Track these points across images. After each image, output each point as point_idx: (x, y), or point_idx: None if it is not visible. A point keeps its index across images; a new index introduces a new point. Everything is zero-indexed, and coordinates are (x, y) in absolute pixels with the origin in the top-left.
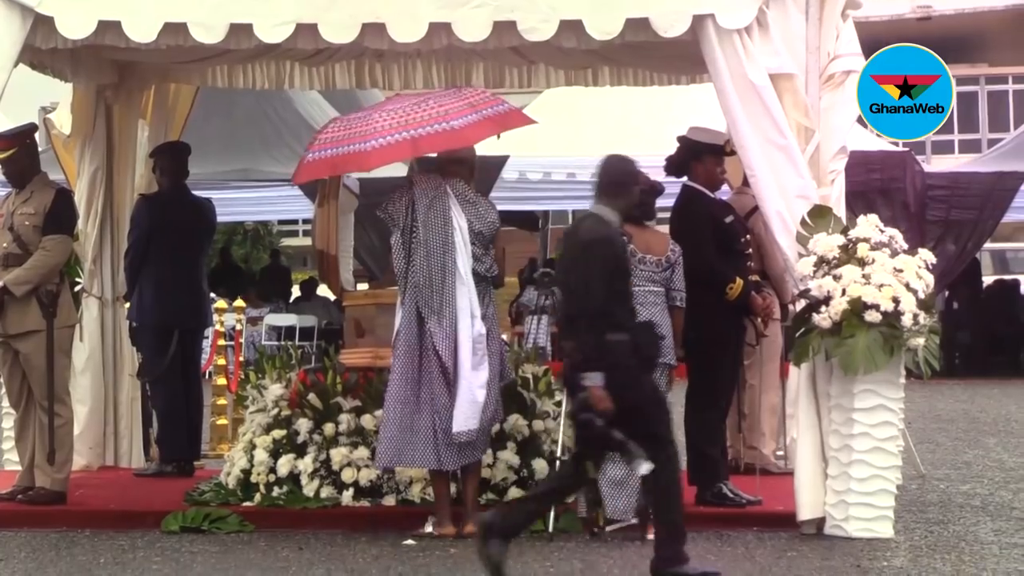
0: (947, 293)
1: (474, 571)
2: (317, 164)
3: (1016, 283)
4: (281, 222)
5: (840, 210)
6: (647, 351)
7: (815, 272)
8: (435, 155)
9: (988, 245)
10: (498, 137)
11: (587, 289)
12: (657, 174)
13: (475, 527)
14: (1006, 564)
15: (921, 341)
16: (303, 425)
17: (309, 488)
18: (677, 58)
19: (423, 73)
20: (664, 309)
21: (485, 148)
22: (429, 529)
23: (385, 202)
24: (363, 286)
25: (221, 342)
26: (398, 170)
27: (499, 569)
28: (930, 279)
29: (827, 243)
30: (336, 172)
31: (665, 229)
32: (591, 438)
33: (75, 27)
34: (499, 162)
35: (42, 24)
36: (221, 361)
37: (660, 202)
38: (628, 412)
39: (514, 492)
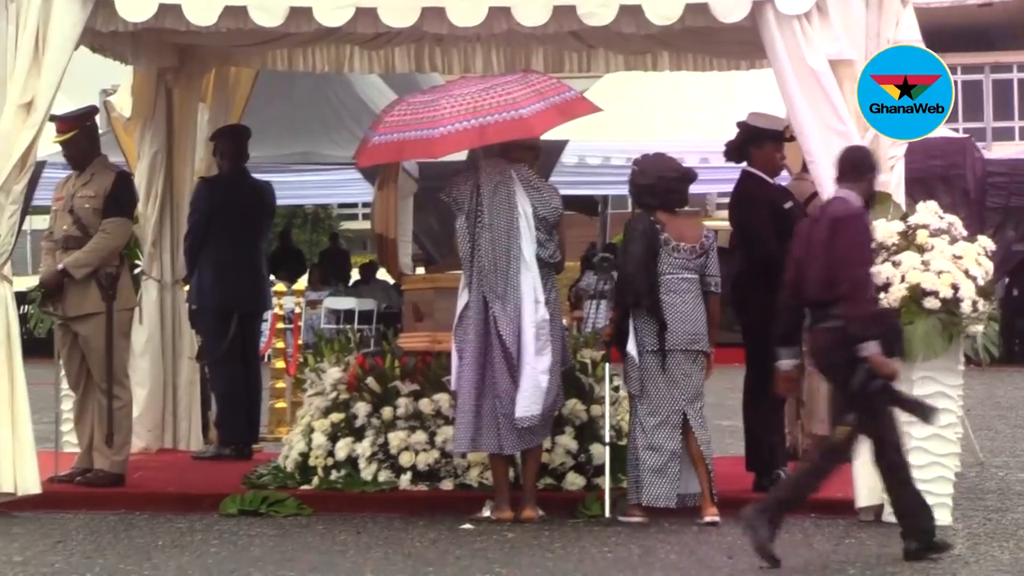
0: (1007, 280)
1: (531, 555)
2: (382, 147)
3: None
4: (341, 205)
5: (900, 196)
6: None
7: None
8: None
9: None
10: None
11: (851, 263)
12: (717, 159)
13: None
14: None
15: (980, 328)
16: (361, 409)
17: (367, 472)
18: (736, 43)
19: (483, 57)
20: (697, 296)
21: (545, 133)
22: (487, 513)
23: (449, 186)
24: (421, 270)
25: (280, 325)
26: (458, 153)
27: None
28: (989, 266)
29: (886, 229)
30: (402, 157)
31: (726, 215)
32: (895, 403)
33: (135, 10)
34: (559, 146)
35: (103, 7)
36: (280, 344)
37: (720, 187)
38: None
39: (572, 477)
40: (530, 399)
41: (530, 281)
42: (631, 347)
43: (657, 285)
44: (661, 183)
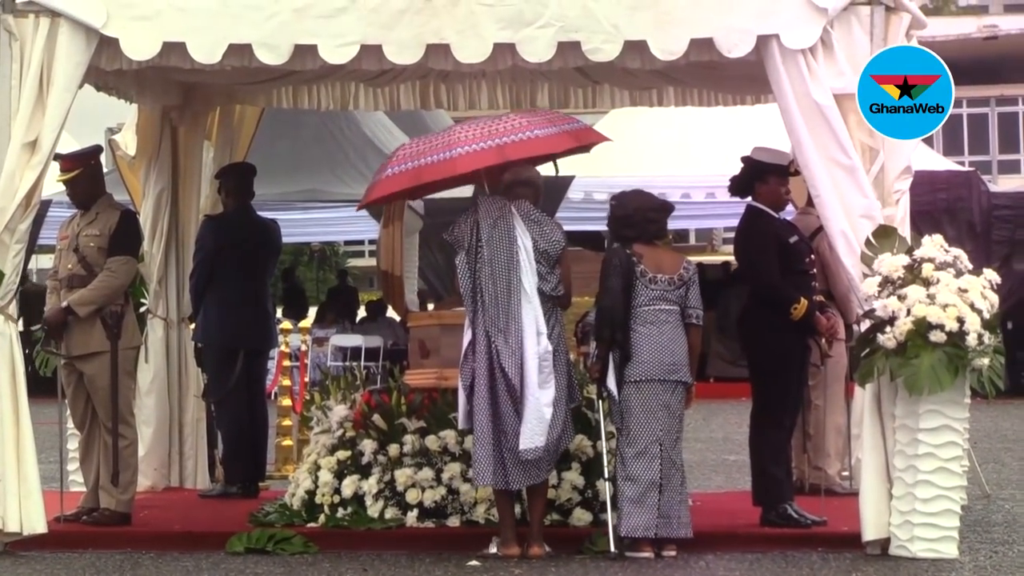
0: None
1: None
2: (400, 176)
3: None
4: (347, 243)
5: (905, 230)
6: None
7: (880, 292)
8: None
9: None
10: (556, 172)
11: None
12: (723, 194)
13: None
14: None
15: (986, 361)
16: (368, 446)
17: (373, 509)
18: (742, 78)
19: (488, 93)
20: (676, 327)
21: (550, 168)
22: (493, 550)
23: (451, 226)
24: (430, 306)
25: (286, 363)
26: (464, 191)
27: None
28: (995, 299)
29: (892, 263)
30: (421, 181)
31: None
32: None
33: (140, 49)
34: (565, 182)
35: (107, 46)
36: (286, 382)
37: (725, 222)
38: None
39: (578, 513)
40: (533, 431)
41: (531, 313)
42: (610, 381)
43: (629, 318)
44: (638, 214)
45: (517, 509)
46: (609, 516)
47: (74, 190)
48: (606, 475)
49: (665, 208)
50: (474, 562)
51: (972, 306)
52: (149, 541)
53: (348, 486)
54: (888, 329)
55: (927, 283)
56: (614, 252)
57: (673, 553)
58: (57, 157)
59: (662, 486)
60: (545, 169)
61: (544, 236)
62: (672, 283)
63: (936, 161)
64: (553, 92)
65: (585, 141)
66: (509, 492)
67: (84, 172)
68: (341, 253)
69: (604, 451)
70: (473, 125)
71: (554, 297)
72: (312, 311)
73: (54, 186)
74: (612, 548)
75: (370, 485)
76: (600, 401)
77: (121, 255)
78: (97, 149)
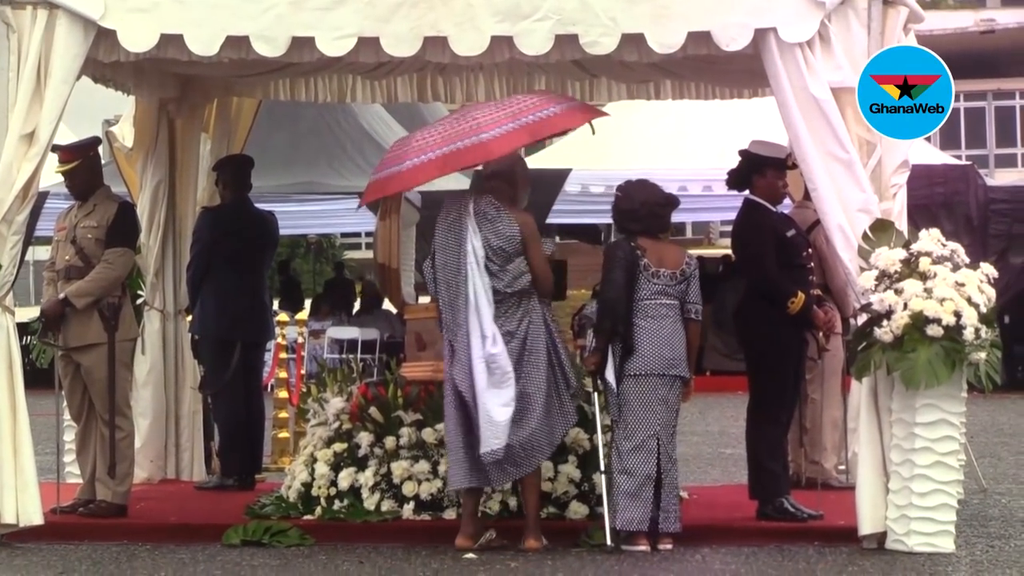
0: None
1: None
2: (374, 186)
3: None
4: (344, 235)
5: (902, 224)
6: None
7: (877, 286)
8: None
9: None
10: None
11: None
12: (720, 187)
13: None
14: None
15: (983, 355)
16: (364, 438)
17: (370, 502)
18: (739, 72)
19: (485, 86)
20: (676, 322)
21: (548, 162)
22: (490, 535)
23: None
24: (425, 299)
25: (283, 355)
26: (461, 183)
27: None
28: (992, 293)
29: (889, 257)
30: (385, 193)
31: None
32: None
33: (137, 41)
34: (562, 175)
35: (104, 37)
36: (283, 374)
37: (722, 216)
38: None
39: (575, 506)
40: (486, 434)
41: (475, 318)
42: (609, 373)
43: (631, 311)
44: (644, 208)
45: (513, 502)
46: (605, 509)
47: (72, 181)
48: (601, 468)
49: (671, 202)
50: (470, 555)
51: (969, 300)
52: (145, 533)
53: (344, 478)
54: (885, 323)
55: (924, 277)
56: (618, 245)
57: (669, 546)
58: (55, 148)
59: (661, 480)
60: (560, 147)
61: (497, 232)
62: (674, 278)
63: (933, 155)
64: (550, 85)
65: (544, 134)
66: (476, 491)
67: (82, 163)
68: (338, 245)
69: (600, 444)
70: (440, 124)
71: (517, 293)
72: (308, 303)
73: (52, 177)
74: (609, 541)
75: (366, 478)
76: (596, 394)
77: (118, 247)
78: (95, 141)
